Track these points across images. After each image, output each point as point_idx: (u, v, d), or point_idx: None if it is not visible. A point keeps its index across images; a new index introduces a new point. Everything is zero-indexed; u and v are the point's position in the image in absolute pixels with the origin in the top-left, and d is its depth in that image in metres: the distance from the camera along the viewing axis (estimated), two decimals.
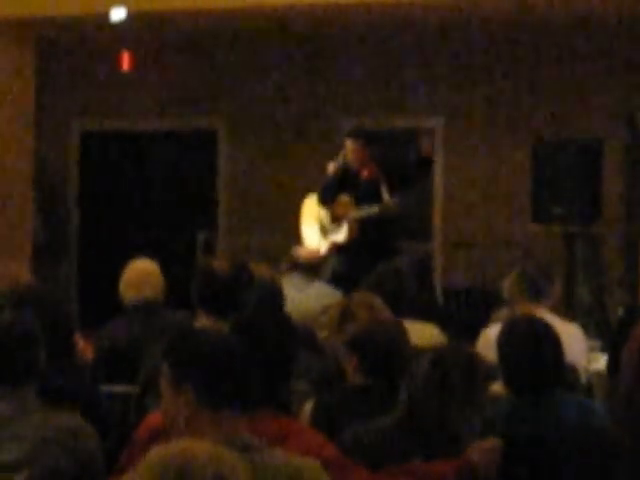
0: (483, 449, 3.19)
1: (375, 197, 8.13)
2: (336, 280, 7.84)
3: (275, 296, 5.02)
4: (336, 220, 8.27)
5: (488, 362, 4.57)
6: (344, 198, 8.24)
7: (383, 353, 3.67)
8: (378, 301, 4.39)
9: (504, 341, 3.80)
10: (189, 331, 2.72)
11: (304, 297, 6.00)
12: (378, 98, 10.70)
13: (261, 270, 5.19)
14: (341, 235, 8.21)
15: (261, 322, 3.22)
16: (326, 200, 8.30)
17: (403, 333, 3.86)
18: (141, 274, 5.09)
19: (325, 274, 8.01)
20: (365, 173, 8.22)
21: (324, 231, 8.32)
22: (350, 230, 8.16)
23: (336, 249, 8.26)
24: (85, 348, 4.95)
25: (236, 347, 2.63)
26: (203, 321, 4.47)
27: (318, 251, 6.99)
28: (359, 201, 8.19)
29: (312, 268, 6.26)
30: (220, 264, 4.60)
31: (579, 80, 10.27)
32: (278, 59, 10.90)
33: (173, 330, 2.88)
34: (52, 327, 3.88)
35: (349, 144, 8.25)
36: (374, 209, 8.08)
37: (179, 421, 2.55)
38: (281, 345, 3.11)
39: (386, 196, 8.07)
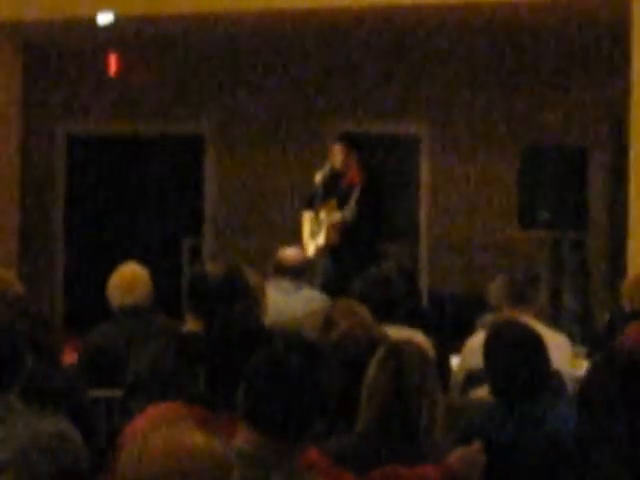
0: (466, 454, 3.20)
1: (347, 203, 8.24)
2: (327, 283, 7.89)
3: (255, 302, 5.00)
4: (319, 224, 8.38)
5: (474, 367, 4.60)
6: (330, 202, 8.32)
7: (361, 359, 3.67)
8: (360, 308, 4.41)
9: (490, 347, 3.80)
10: None
11: (291, 302, 6.00)
12: (365, 104, 10.71)
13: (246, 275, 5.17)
14: (321, 239, 8.31)
15: (232, 331, 3.23)
16: (309, 206, 8.45)
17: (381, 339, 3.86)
18: (130, 278, 5.08)
19: (317, 276, 8.07)
20: (347, 178, 8.31)
21: (312, 234, 8.41)
22: (327, 234, 8.25)
23: (323, 252, 8.34)
24: (68, 351, 4.94)
25: None
26: (191, 326, 4.47)
27: (303, 253, 6.99)
28: (339, 206, 8.30)
29: (299, 272, 6.26)
30: (214, 269, 4.59)
31: (566, 88, 10.31)
32: (266, 63, 10.90)
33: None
34: (37, 330, 3.87)
35: (333, 147, 8.39)
36: (337, 216, 8.19)
37: None
38: (248, 354, 3.08)
39: (351, 204, 8.15)
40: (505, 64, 10.45)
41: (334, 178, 8.37)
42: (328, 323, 4.28)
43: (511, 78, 10.46)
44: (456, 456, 3.18)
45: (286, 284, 6.11)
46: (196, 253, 10.87)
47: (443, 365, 4.94)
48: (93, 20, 8.91)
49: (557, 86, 10.31)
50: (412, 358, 3.33)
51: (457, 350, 5.17)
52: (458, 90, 10.55)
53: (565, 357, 5.02)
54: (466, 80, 10.54)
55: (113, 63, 10.87)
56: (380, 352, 3.37)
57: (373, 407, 3.29)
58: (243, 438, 2.61)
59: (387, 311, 4.91)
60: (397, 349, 3.38)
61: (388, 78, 10.66)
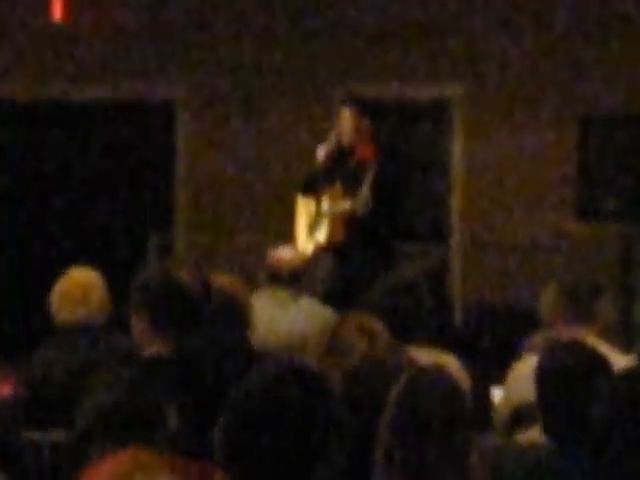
0: None
1: (358, 188, 8.21)
2: (330, 291, 7.90)
3: (239, 317, 5.01)
4: (320, 215, 8.37)
5: (523, 402, 4.61)
6: (335, 188, 8.31)
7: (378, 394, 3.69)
8: (376, 325, 4.41)
9: (544, 375, 3.82)
10: None
11: (287, 317, 6.02)
12: (382, 62, 10.71)
13: (223, 282, 5.18)
14: (321, 234, 8.31)
15: (210, 355, 3.25)
16: (309, 190, 8.40)
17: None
18: (80, 288, 5.09)
19: (317, 283, 8.08)
20: (357, 155, 8.29)
21: (311, 228, 8.40)
22: (330, 228, 8.25)
23: (323, 251, 8.33)
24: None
25: None
26: (157, 348, 4.46)
27: (301, 255, 7.00)
28: (346, 190, 8.27)
29: (296, 278, 6.28)
30: (186, 275, 4.59)
31: (632, 40, 10.31)
32: (254, 10, 10.89)
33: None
34: None
35: (340, 113, 8.36)
36: (345, 206, 8.18)
37: None
38: (231, 384, 3.09)
39: (364, 191, 8.13)
40: (554, 7, 10.44)
41: (341, 154, 8.35)
42: (335, 345, 4.29)
43: (562, 25, 10.45)
44: None
45: (280, 294, 6.13)
46: (165, 252, 10.88)
47: (482, 399, 4.96)
48: None
49: (631, 41, 10.30)
50: (437, 391, 3.33)
51: (500, 379, 5.18)
52: (497, 43, 10.54)
53: None
54: (506, 30, 10.53)
55: (58, 6, 10.85)
56: (398, 385, 3.37)
57: (390, 455, 3.29)
58: None
59: (410, 328, 4.93)
60: (418, 379, 3.38)
61: (410, 29, 10.65)
